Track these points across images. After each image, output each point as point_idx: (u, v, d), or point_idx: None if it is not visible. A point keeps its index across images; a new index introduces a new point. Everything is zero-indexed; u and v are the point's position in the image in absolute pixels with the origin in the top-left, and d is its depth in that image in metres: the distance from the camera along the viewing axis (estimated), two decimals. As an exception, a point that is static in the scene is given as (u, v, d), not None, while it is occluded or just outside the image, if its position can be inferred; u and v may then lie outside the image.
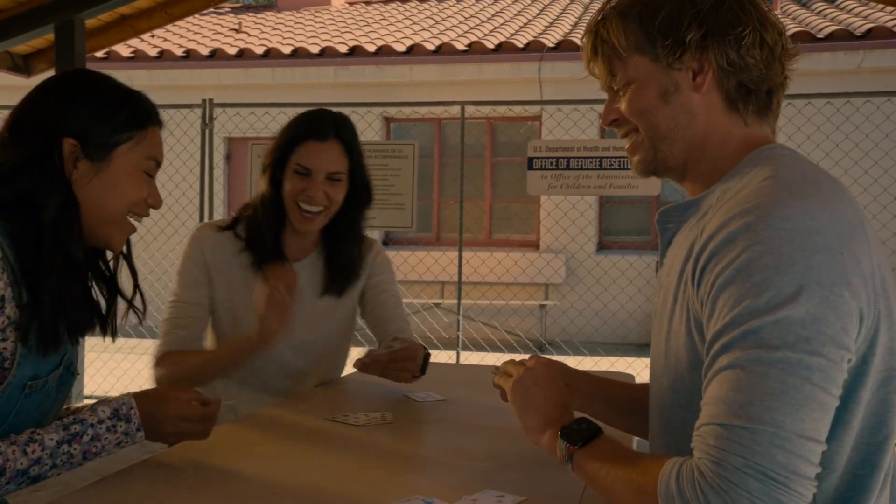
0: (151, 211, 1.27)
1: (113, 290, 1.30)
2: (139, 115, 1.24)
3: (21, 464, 1.07)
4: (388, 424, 1.55)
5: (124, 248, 1.29)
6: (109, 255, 1.32)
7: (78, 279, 1.21)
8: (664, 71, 1.06)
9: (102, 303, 1.29)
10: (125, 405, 1.19)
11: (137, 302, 1.32)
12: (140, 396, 1.21)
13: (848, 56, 7.85)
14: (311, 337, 1.87)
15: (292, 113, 6.21)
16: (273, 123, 5.87)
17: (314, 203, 1.75)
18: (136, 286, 1.31)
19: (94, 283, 1.28)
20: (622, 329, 7.37)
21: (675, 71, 1.05)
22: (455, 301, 5.29)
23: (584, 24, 6.99)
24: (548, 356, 1.35)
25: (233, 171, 8.89)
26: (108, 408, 1.18)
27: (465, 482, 1.19)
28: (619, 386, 1.40)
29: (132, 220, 1.26)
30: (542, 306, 8.19)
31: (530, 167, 4.81)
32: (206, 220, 5.12)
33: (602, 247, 8.58)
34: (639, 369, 3.84)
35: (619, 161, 4.65)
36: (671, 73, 1.05)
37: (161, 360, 1.74)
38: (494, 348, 6.31)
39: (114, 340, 1.31)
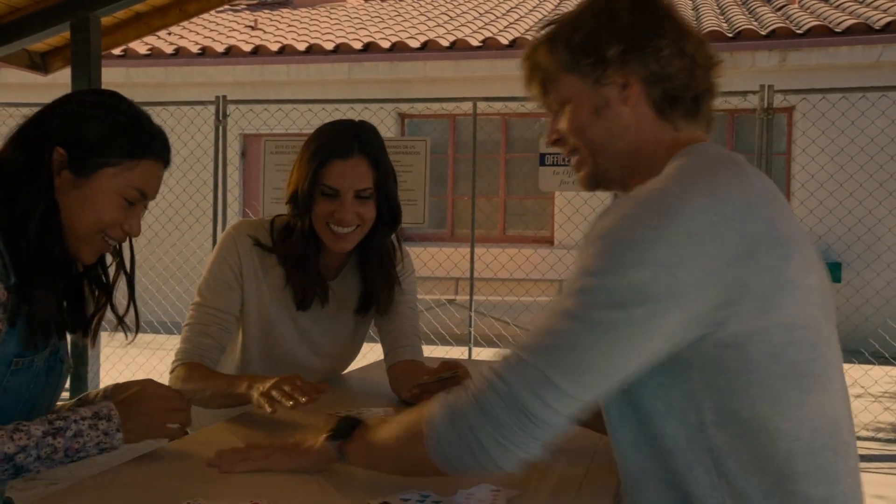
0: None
1: (106, 297, 1.34)
2: (135, 145, 1.26)
3: (8, 448, 1.11)
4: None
5: (126, 263, 1.34)
6: (110, 261, 1.36)
7: (61, 278, 1.26)
8: (592, 87, 1.11)
9: (91, 306, 1.33)
10: (105, 407, 1.23)
11: (130, 317, 1.36)
12: (119, 402, 1.25)
13: (866, 50, 7.78)
14: (340, 350, 1.87)
15: (305, 109, 6.20)
16: (286, 120, 5.91)
17: (345, 224, 1.68)
18: (132, 301, 1.35)
19: (88, 286, 1.33)
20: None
21: (603, 86, 1.10)
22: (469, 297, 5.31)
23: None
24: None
25: (248, 168, 8.96)
26: (88, 409, 1.22)
27: (462, 476, 1.20)
28: None
29: (107, 240, 1.29)
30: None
31: (542, 163, 4.81)
32: (219, 215, 5.16)
33: (616, 243, 8.54)
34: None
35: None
36: (599, 88, 1.11)
37: (184, 372, 1.64)
38: (508, 344, 6.30)
39: (91, 346, 1.35)
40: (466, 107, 6.46)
